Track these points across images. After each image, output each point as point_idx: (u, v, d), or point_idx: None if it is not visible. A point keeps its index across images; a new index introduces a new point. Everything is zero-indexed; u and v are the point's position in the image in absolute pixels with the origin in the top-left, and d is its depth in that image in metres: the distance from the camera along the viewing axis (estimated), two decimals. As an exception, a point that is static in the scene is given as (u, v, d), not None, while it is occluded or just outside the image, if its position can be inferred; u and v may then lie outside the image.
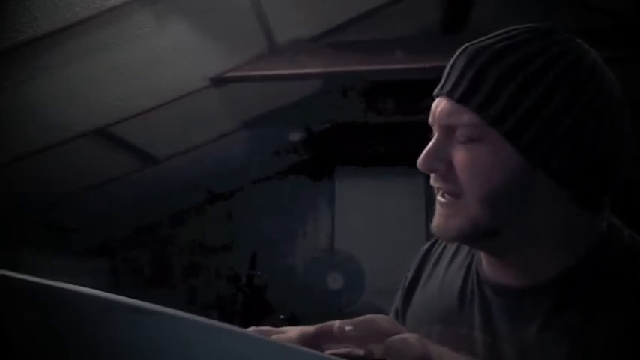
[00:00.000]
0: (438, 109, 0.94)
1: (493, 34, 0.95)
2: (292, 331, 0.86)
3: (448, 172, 0.93)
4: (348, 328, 0.73)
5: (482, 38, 0.95)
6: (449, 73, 0.95)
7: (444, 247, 1.17)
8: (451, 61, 0.96)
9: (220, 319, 1.00)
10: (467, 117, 0.90)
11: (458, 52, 0.97)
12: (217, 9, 2.86)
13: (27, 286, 0.49)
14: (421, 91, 4.30)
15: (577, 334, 0.87)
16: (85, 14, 2.46)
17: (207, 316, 0.69)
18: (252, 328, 0.89)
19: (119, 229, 5.26)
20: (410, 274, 1.20)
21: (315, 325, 0.75)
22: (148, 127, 3.65)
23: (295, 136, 5.13)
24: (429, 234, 1.03)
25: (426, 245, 1.22)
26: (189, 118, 3.88)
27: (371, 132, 5.06)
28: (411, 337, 0.73)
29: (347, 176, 5.31)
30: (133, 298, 0.51)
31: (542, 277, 0.93)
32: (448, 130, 0.93)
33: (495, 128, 0.88)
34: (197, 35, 2.98)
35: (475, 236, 0.94)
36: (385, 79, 4.38)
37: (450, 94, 0.92)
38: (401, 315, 1.17)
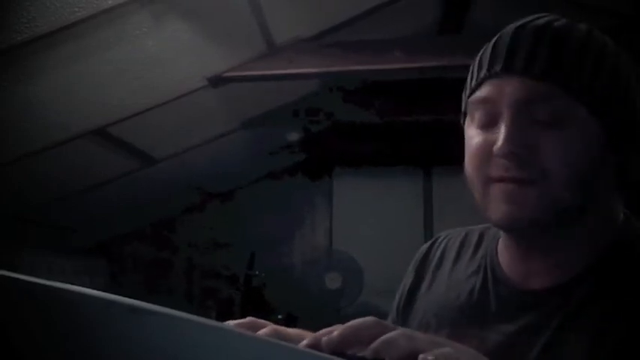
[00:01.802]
0: (509, 88, 0.87)
1: (534, 16, 0.93)
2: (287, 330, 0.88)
3: (528, 158, 0.85)
4: (335, 339, 0.71)
5: (527, 19, 0.92)
6: (511, 50, 0.88)
7: (444, 250, 1.14)
8: (505, 39, 0.91)
9: (218, 318, 1.00)
10: (551, 91, 0.85)
11: (510, 30, 0.92)
12: (215, 9, 2.86)
13: (25, 286, 0.49)
14: (420, 90, 4.31)
15: (598, 333, 0.84)
16: (84, 14, 2.46)
17: (206, 316, 0.69)
18: (249, 319, 0.89)
19: (117, 228, 5.26)
20: (409, 280, 1.17)
21: (306, 340, 0.73)
22: (146, 127, 3.64)
23: (293, 136, 5.12)
24: (427, 233, 1.02)
25: (423, 249, 1.19)
26: (187, 118, 3.88)
27: (369, 132, 5.06)
28: (396, 335, 0.71)
29: (345, 176, 5.31)
30: (130, 297, 0.51)
31: (565, 277, 0.91)
32: (526, 110, 0.86)
33: (583, 101, 0.85)
34: (195, 35, 2.98)
35: (547, 224, 0.89)
36: (383, 79, 4.38)
37: (526, 71, 0.86)
38: (402, 322, 1.13)
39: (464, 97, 0.97)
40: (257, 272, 5.19)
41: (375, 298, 4.49)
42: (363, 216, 5.20)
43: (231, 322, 0.86)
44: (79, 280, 4.69)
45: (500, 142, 0.85)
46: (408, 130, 4.91)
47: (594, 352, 0.83)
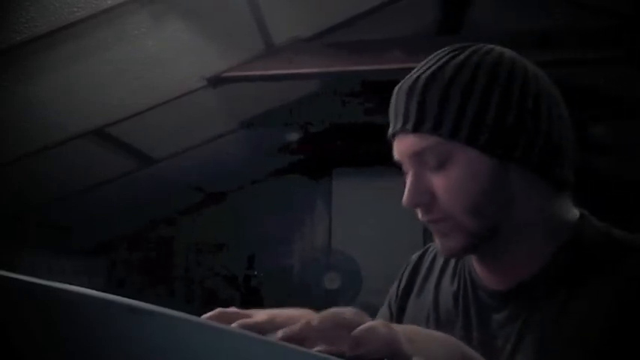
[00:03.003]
0: (402, 146, 1.01)
1: (418, 67, 1.04)
2: (259, 315, 0.90)
3: (433, 202, 0.98)
4: (314, 327, 0.72)
5: (411, 73, 1.03)
6: (395, 113, 1.02)
7: (435, 256, 1.23)
8: (392, 101, 1.04)
9: (218, 319, 1.00)
10: (428, 141, 0.96)
11: (394, 92, 1.05)
12: (215, 9, 2.86)
13: (25, 286, 0.49)
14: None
15: (553, 328, 0.93)
16: (83, 14, 2.46)
17: (205, 316, 0.69)
18: (217, 310, 0.92)
19: (116, 229, 5.26)
20: (402, 284, 1.25)
21: (285, 329, 0.74)
22: (145, 127, 3.65)
23: (293, 137, 5.12)
24: (426, 235, 1.06)
25: (415, 257, 1.28)
26: (187, 119, 3.88)
27: (369, 132, 5.06)
28: (376, 324, 0.72)
29: (344, 176, 5.32)
30: (130, 298, 0.51)
31: (526, 275, 0.99)
32: (419, 161, 0.99)
33: (454, 140, 0.95)
34: (194, 35, 2.98)
35: (476, 245, 0.99)
36: (383, 79, 4.38)
37: (404, 129, 0.99)
38: (394, 321, 1.20)
39: None
40: (256, 272, 5.20)
41: (373, 298, 4.46)
42: (362, 216, 5.21)
43: (204, 317, 0.89)
44: (79, 280, 4.69)
45: (404, 196, 1.00)
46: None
47: (555, 341, 0.92)
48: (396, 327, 0.74)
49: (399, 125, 1.00)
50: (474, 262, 1.09)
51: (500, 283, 1.03)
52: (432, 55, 1.04)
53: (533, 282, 0.98)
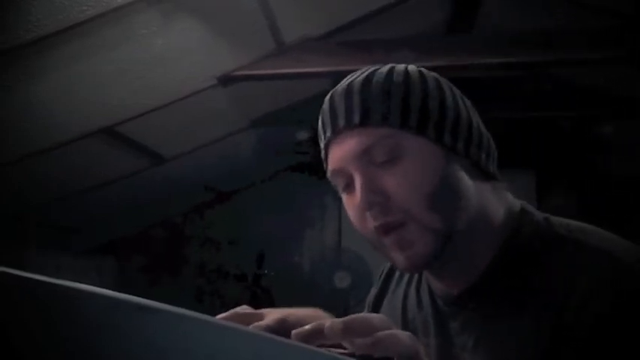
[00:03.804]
0: (344, 148, 0.96)
1: (342, 81, 1.02)
2: (271, 316, 0.91)
3: (387, 202, 0.94)
4: (339, 327, 0.72)
5: (337, 86, 1.02)
6: (333, 116, 0.98)
7: None
8: (325, 109, 1.01)
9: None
10: (377, 133, 0.94)
11: (326, 100, 1.01)
12: (224, 8, 2.86)
13: (29, 284, 0.49)
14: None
15: (505, 334, 0.93)
16: (91, 13, 2.46)
17: (214, 314, 0.69)
18: (231, 311, 0.93)
19: (126, 227, 5.27)
20: (376, 289, 1.27)
21: (308, 326, 0.74)
22: (155, 126, 3.65)
23: (303, 135, 5.12)
24: None
25: (388, 265, 1.28)
26: (197, 117, 3.88)
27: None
28: (401, 333, 0.74)
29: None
30: (139, 296, 0.51)
31: (472, 278, 0.99)
32: (366, 161, 0.95)
33: (404, 129, 0.94)
34: (204, 34, 2.98)
35: (440, 247, 0.95)
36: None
37: (348, 125, 0.95)
38: None
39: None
40: (266, 271, 5.20)
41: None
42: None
43: (219, 316, 0.89)
44: (89, 279, 4.70)
45: (358, 198, 0.94)
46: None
47: (509, 346, 0.92)
48: (419, 342, 0.76)
49: (341, 124, 0.96)
50: (426, 271, 1.07)
51: (451, 290, 1.02)
52: (351, 74, 1.02)
53: (479, 286, 0.98)
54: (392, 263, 1.02)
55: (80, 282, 0.51)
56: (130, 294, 0.52)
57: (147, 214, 5.16)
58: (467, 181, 0.97)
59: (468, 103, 1.02)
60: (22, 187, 3.53)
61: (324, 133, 1.01)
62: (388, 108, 0.94)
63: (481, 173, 1.00)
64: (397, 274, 1.24)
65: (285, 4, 3.02)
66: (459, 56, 3.17)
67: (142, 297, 0.51)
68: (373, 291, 1.29)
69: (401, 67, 1.00)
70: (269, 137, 4.82)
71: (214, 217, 5.56)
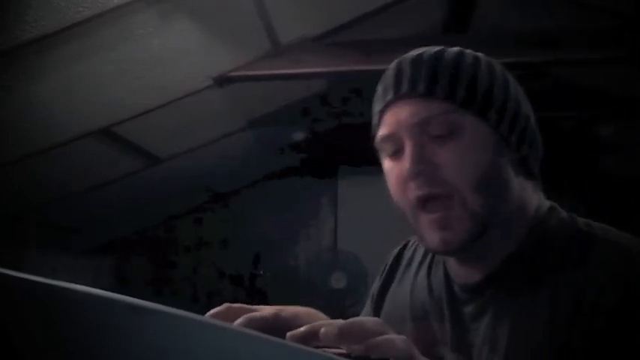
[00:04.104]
0: (403, 114, 0.96)
1: (412, 51, 1.04)
2: (266, 311, 0.91)
3: (435, 174, 0.94)
4: (333, 333, 0.73)
5: (417, 51, 1.04)
6: (397, 80, 0.98)
7: (413, 252, 1.23)
8: (390, 72, 1.02)
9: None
10: (438, 106, 0.94)
11: (393, 65, 1.03)
12: (221, 8, 2.86)
13: (26, 284, 0.49)
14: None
15: (522, 320, 0.93)
16: (89, 13, 2.46)
17: (210, 315, 0.69)
18: (225, 305, 0.92)
19: (122, 228, 5.26)
20: (382, 278, 1.26)
21: (303, 328, 0.75)
22: (152, 126, 3.65)
23: (299, 136, 5.12)
24: None
25: (395, 251, 1.29)
26: (193, 118, 3.88)
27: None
28: (396, 337, 0.75)
29: (350, 176, 5.31)
30: (135, 297, 0.51)
31: (491, 268, 0.99)
32: (421, 130, 0.95)
33: (465, 107, 0.94)
34: (201, 35, 2.98)
35: (476, 234, 0.95)
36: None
37: (412, 93, 0.95)
38: (374, 313, 1.23)
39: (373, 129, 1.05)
40: (262, 272, 5.20)
41: (380, 298, 4.48)
42: (368, 216, 5.20)
43: (210, 312, 0.91)
44: (85, 280, 4.69)
45: (407, 164, 0.94)
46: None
47: (525, 333, 0.92)
48: (414, 347, 0.77)
49: (404, 89, 0.96)
50: (448, 257, 1.08)
51: (470, 276, 1.02)
52: (422, 48, 1.04)
53: (499, 273, 0.98)
54: (420, 241, 1.02)
55: (78, 282, 0.51)
56: (127, 294, 0.52)
57: (143, 214, 5.15)
58: (512, 175, 0.98)
59: (529, 105, 1.03)
60: (18, 187, 3.52)
61: (384, 96, 1.00)
62: (456, 84, 0.94)
63: (524, 171, 1.01)
64: (404, 263, 1.23)
65: (282, 4, 3.02)
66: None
67: (139, 298, 0.51)
68: (377, 283, 1.28)
69: (471, 52, 1.02)
70: (265, 138, 4.82)
71: (210, 218, 5.55)
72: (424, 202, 0.95)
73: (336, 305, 4.70)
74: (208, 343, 0.52)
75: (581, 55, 3.32)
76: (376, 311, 1.22)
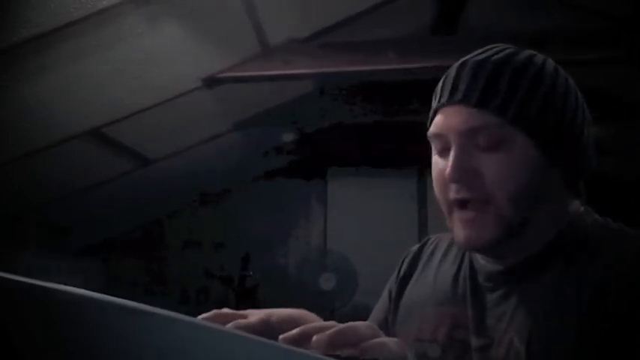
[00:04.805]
0: (453, 120, 0.99)
1: (479, 51, 1.04)
2: (255, 317, 0.91)
3: (474, 180, 0.97)
4: (324, 340, 0.74)
5: (473, 54, 1.03)
6: (454, 85, 1.00)
7: (434, 249, 1.25)
8: (451, 73, 1.02)
9: (213, 319, 1.00)
10: (488, 118, 0.96)
11: (456, 65, 1.03)
12: (210, 10, 2.86)
13: (24, 287, 0.49)
14: (414, 91, 4.32)
15: (545, 308, 0.96)
16: (79, 15, 2.46)
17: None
18: (212, 312, 0.92)
19: (113, 229, 5.25)
20: (402, 272, 1.27)
21: (295, 330, 0.76)
22: (141, 127, 3.64)
23: (288, 137, 5.12)
24: (421, 234, 1.06)
25: (415, 248, 1.30)
26: (182, 119, 3.87)
27: (363, 132, 5.06)
28: (389, 341, 0.76)
29: (339, 177, 5.31)
30: (126, 299, 0.51)
31: (522, 256, 1.02)
32: (468, 138, 0.97)
33: (515, 125, 0.95)
34: (190, 36, 2.98)
35: (506, 237, 0.99)
36: (377, 80, 4.38)
37: (465, 101, 0.97)
38: (393, 307, 1.24)
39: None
40: (251, 273, 5.19)
41: (369, 298, 4.47)
42: (357, 217, 5.20)
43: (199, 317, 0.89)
44: (75, 281, 4.68)
45: (448, 168, 0.98)
46: (402, 131, 4.91)
47: (547, 319, 0.95)
48: (408, 349, 0.79)
49: (459, 96, 0.98)
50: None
51: (497, 265, 1.05)
52: (491, 46, 1.04)
53: (527, 264, 1.02)
54: (453, 235, 1.05)
55: (69, 284, 0.51)
56: (117, 295, 0.52)
57: (133, 215, 5.14)
58: (553, 190, 1.01)
59: (588, 116, 1.05)
60: (15, 187, 3.51)
61: (441, 96, 1.02)
62: (510, 101, 0.96)
63: (568, 185, 1.04)
64: (424, 258, 1.25)
65: (271, 6, 3.02)
66: (444, 57, 3.18)
67: (129, 298, 0.51)
68: (394, 278, 1.29)
69: (538, 60, 1.02)
70: (255, 139, 4.82)
71: (199, 219, 5.54)
72: (460, 204, 1.00)
73: (326, 306, 4.70)
74: (203, 345, 0.52)
75: (578, 55, 3.33)
76: (395, 303, 1.24)
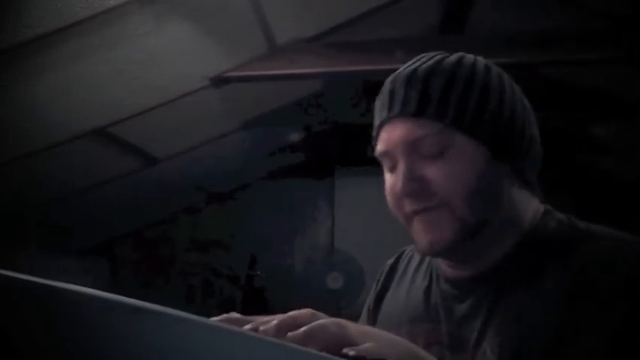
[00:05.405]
0: (395, 134, 1.01)
1: (409, 63, 1.06)
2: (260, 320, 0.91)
3: (426, 190, 0.99)
4: (272, 328, 0.77)
5: (403, 67, 1.06)
6: (390, 100, 1.02)
7: (409, 261, 1.27)
8: (385, 89, 1.05)
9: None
10: (428, 127, 0.98)
11: (389, 80, 1.06)
12: (217, 9, 2.86)
13: (26, 286, 0.49)
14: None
15: (515, 317, 0.95)
16: (85, 14, 2.46)
17: (206, 316, 0.69)
18: (224, 316, 0.93)
19: (118, 228, 5.25)
20: (378, 287, 1.30)
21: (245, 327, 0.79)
22: (148, 127, 3.64)
23: (295, 136, 5.12)
24: None
25: (390, 261, 1.33)
26: (189, 118, 3.88)
27: (371, 132, 5.05)
28: (326, 322, 0.77)
29: (347, 176, 5.31)
30: (132, 297, 0.51)
31: (487, 265, 1.03)
32: (412, 149, 0.99)
33: (454, 127, 0.97)
34: (196, 35, 2.97)
35: (462, 239, 0.99)
36: (384, 79, 4.37)
37: (402, 114, 1.00)
38: (371, 323, 1.25)
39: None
40: (258, 272, 5.19)
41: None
42: (364, 216, 5.19)
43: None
44: (81, 280, 4.67)
45: (399, 183, 1.00)
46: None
47: (518, 330, 0.94)
48: (350, 324, 0.80)
49: (396, 110, 1.00)
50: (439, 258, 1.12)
51: (462, 272, 1.06)
52: (420, 56, 1.06)
53: (493, 271, 1.02)
54: (414, 245, 1.06)
55: (74, 282, 0.51)
56: (122, 295, 0.52)
57: (139, 214, 5.15)
58: (505, 185, 1.02)
59: (528, 108, 1.05)
60: (15, 187, 3.52)
61: (380, 114, 1.05)
62: (446, 105, 0.97)
63: (520, 180, 1.04)
64: (399, 272, 1.27)
65: (278, 5, 3.02)
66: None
67: (135, 298, 0.51)
68: (372, 292, 1.31)
69: (469, 61, 1.03)
70: (262, 138, 4.82)
71: (206, 219, 5.55)
72: (417, 213, 1.01)
73: (332, 306, 4.70)
74: (207, 343, 0.52)
75: (579, 55, 3.32)
76: (373, 319, 1.25)
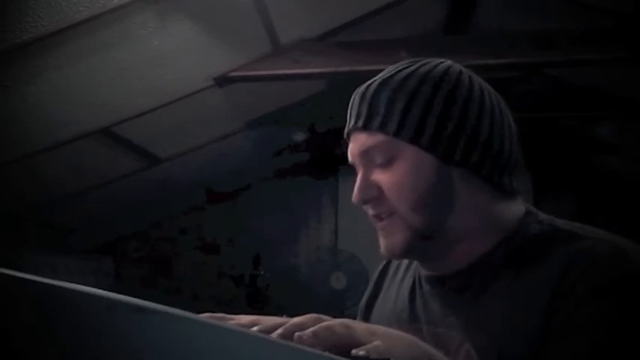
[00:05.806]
0: (354, 145, 1.09)
1: (377, 77, 1.10)
2: (244, 319, 0.90)
3: (380, 197, 1.05)
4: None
5: (370, 80, 1.10)
6: (350, 114, 1.10)
7: (399, 263, 1.30)
8: (350, 102, 1.11)
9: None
10: (375, 138, 1.04)
11: (354, 94, 1.11)
12: (221, 8, 2.86)
13: (28, 285, 0.49)
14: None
15: (494, 316, 0.98)
16: (89, 13, 2.46)
17: (211, 315, 0.69)
18: (206, 315, 0.92)
19: (122, 228, 5.26)
20: (369, 290, 1.35)
21: (279, 330, 0.78)
22: (152, 126, 3.65)
23: (299, 136, 5.12)
24: None
25: (381, 265, 1.36)
26: (193, 118, 3.88)
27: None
28: (333, 323, 0.78)
29: (351, 176, 5.24)
30: (135, 297, 0.51)
31: (463, 262, 1.05)
32: (367, 159, 1.07)
33: (399, 138, 1.02)
34: (201, 35, 2.98)
35: (417, 243, 1.05)
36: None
37: (356, 127, 1.07)
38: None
39: None
40: (262, 272, 5.20)
41: (380, 298, 4.48)
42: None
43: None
44: (85, 280, 4.69)
45: (354, 192, 1.08)
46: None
47: (498, 329, 0.96)
48: (356, 324, 0.81)
49: (352, 123, 1.08)
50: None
51: (435, 272, 1.11)
52: (389, 67, 1.11)
53: (471, 270, 1.05)
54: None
55: (77, 283, 0.51)
56: (126, 295, 0.52)
57: (143, 214, 5.15)
58: (461, 189, 1.04)
59: (495, 110, 1.06)
60: (18, 187, 3.52)
61: (347, 126, 1.12)
62: (388, 117, 1.03)
63: (485, 182, 1.05)
64: (390, 275, 1.31)
65: (282, 5, 3.02)
66: (456, 57, 3.16)
67: (138, 298, 0.51)
68: (364, 296, 1.35)
69: (422, 70, 1.06)
70: (266, 138, 4.82)
71: (210, 218, 5.55)
72: (375, 218, 1.08)
73: (336, 306, 4.70)
74: (209, 343, 0.52)
75: (584, 55, 3.32)
76: (365, 320, 1.28)
